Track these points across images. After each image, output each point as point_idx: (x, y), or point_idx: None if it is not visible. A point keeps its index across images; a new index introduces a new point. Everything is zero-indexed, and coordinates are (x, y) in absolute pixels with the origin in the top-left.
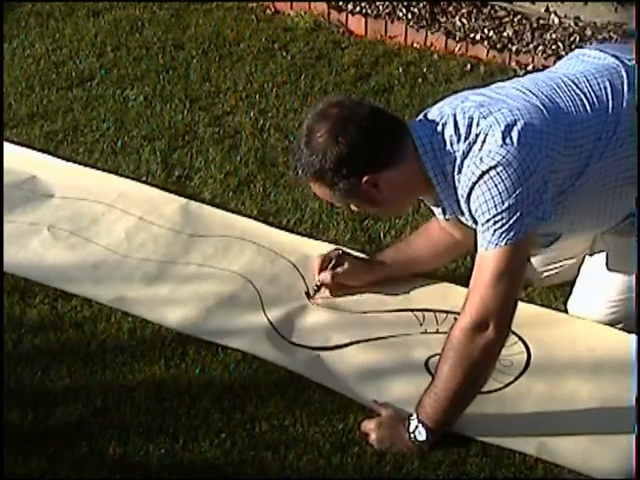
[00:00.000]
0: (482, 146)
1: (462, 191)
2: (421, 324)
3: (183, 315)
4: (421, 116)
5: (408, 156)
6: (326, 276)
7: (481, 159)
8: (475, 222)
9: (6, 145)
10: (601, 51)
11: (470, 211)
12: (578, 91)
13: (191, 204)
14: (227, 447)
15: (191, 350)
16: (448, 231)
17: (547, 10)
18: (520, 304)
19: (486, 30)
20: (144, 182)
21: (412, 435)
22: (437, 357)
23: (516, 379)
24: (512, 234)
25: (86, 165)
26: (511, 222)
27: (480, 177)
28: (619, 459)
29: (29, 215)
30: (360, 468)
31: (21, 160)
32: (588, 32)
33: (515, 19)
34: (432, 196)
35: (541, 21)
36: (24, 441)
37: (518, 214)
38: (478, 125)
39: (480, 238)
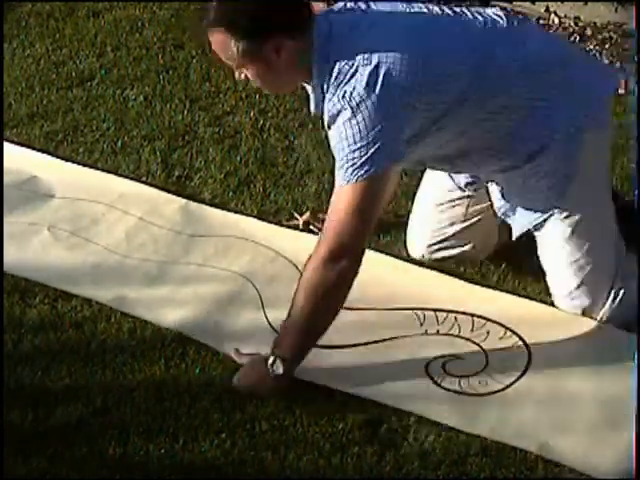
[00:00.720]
0: (351, 79)
1: (326, 111)
2: (421, 324)
3: (183, 316)
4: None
5: (306, 35)
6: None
7: (344, 94)
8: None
9: (6, 145)
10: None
11: (330, 143)
12: (461, 28)
13: (191, 204)
14: (227, 447)
15: (191, 350)
16: None
17: (547, 10)
18: (520, 305)
19: None
20: (144, 182)
21: (271, 370)
22: (437, 360)
23: (517, 380)
24: (363, 172)
25: (86, 165)
26: (363, 160)
27: (339, 112)
28: (620, 459)
29: (29, 215)
30: (360, 468)
31: (21, 160)
32: (588, 32)
33: None
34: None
35: (541, 21)
36: (24, 441)
37: (369, 153)
38: (361, 54)
39: (336, 175)
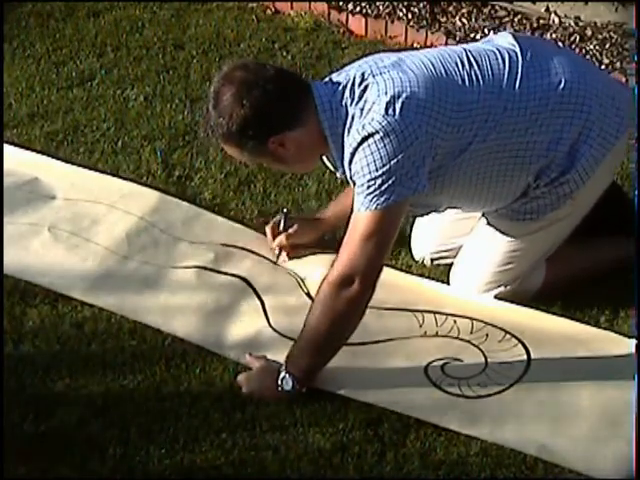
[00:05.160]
0: (368, 113)
1: (347, 154)
2: (421, 326)
3: (184, 322)
4: (330, 76)
5: (310, 115)
6: (282, 239)
7: (364, 126)
8: (354, 184)
9: (7, 146)
10: (513, 37)
11: (351, 173)
12: (477, 69)
13: (193, 209)
14: (227, 447)
15: (191, 350)
16: None
17: (547, 10)
18: (519, 309)
19: (486, 30)
20: (144, 182)
21: (280, 385)
22: (437, 363)
23: (516, 382)
24: (382, 200)
25: (86, 165)
26: (383, 188)
27: (360, 143)
28: (620, 460)
29: (30, 216)
30: (360, 468)
31: (22, 161)
32: (588, 32)
33: (515, 19)
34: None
35: (541, 21)
36: (24, 441)
37: (390, 182)
38: (370, 91)
39: (355, 200)
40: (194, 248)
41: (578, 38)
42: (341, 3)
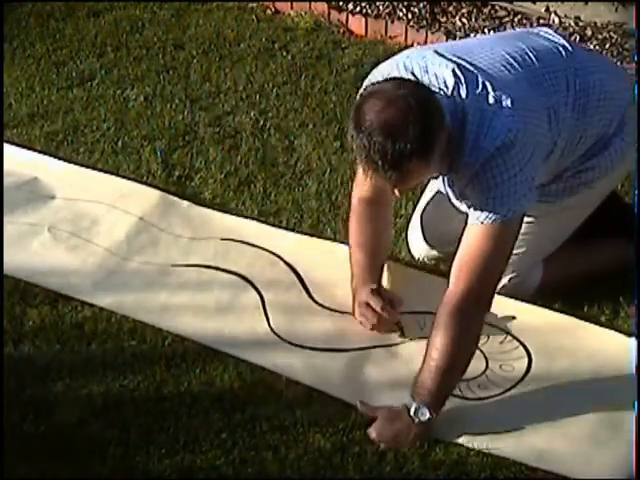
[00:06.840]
0: (491, 122)
1: (469, 169)
2: (422, 329)
3: (183, 320)
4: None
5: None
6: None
7: (490, 140)
8: (461, 196)
9: (7, 146)
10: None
11: (468, 188)
12: (543, 68)
13: (192, 208)
14: (228, 447)
15: (191, 350)
16: (386, 200)
17: (547, 10)
18: (522, 309)
19: (486, 30)
20: (144, 182)
21: (415, 418)
22: None
23: (517, 384)
24: (503, 214)
25: (86, 165)
26: (504, 203)
27: (487, 159)
28: (620, 465)
29: (30, 216)
30: (360, 468)
31: (22, 161)
32: (588, 32)
33: (515, 19)
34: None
35: (541, 21)
36: (24, 441)
37: (511, 197)
38: (490, 96)
39: (473, 214)
40: (194, 245)
41: (578, 38)
42: (341, 3)
